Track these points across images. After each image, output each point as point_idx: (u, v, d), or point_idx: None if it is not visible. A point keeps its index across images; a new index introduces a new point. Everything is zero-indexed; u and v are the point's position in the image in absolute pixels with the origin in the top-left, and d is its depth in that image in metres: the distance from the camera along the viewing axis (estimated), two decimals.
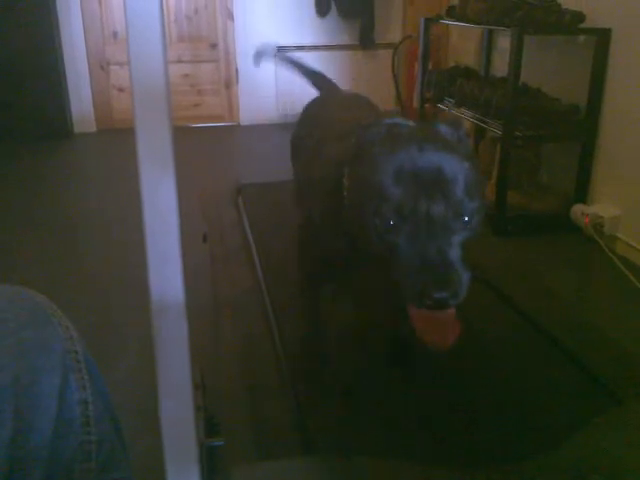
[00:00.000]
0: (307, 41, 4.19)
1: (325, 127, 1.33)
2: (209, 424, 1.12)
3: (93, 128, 4.18)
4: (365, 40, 4.17)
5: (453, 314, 0.80)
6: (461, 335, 0.82)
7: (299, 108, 1.68)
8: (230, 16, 4.14)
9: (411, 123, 0.97)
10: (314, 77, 1.85)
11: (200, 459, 0.69)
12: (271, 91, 4.22)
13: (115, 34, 4.10)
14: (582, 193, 2.44)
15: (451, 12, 3.07)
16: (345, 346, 1.46)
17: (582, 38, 2.44)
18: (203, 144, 3.90)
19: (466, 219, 0.79)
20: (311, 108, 1.62)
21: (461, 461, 1.06)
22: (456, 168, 0.80)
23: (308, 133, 1.42)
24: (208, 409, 1.17)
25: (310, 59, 4.11)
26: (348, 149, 0.95)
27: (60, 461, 0.52)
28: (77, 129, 4.13)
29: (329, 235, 1.11)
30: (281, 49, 4.16)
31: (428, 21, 3.23)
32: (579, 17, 2.32)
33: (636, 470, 0.88)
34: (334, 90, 1.79)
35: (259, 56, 2.05)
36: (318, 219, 1.18)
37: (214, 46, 4.24)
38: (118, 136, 3.94)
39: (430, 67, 3.41)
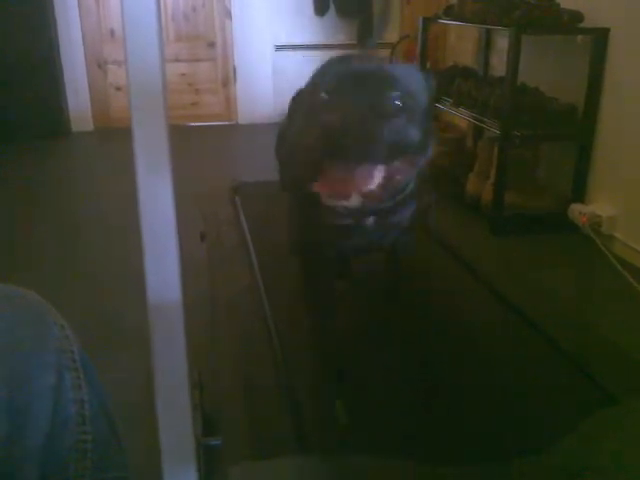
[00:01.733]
0: (305, 40, 4.19)
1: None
2: (206, 423, 1.12)
3: (90, 127, 4.18)
4: (363, 39, 4.17)
5: (370, 174, 0.75)
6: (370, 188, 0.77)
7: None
8: (228, 15, 4.14)
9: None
10: None
11: (197, 458, 0.69)
12: (269, 90, 4.22)
13: (112, 32, 4.10)
14: (580, 193, 2.44)
15: (449, 12, 3.07)
16: (341, 343, 1.46)
17: (580, 38, 2.44)
18: (201, 143, 3.90)
19: (398, 103, 0.79)
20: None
21: (455, 460, 1.06)
22: (398, 69, 0.84)
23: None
24: (205, 408, 1.17)
25: (308, 58, 4.12)
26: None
27: (55, 460, 0.52)
28: (74, 128, 4.12)
29: (308, 203, 1.09)
30: (279, 48, 4.16)
31: (426, 20, 3.23)
32: (577, 17, 2.33)
33: (631, 469, 0.89)
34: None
35: None
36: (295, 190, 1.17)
37: (212, 45, 4.24)
38: (115, 135, 3.93)
39: (428, 66, 3.42)
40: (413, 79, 0.86)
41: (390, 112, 0.78)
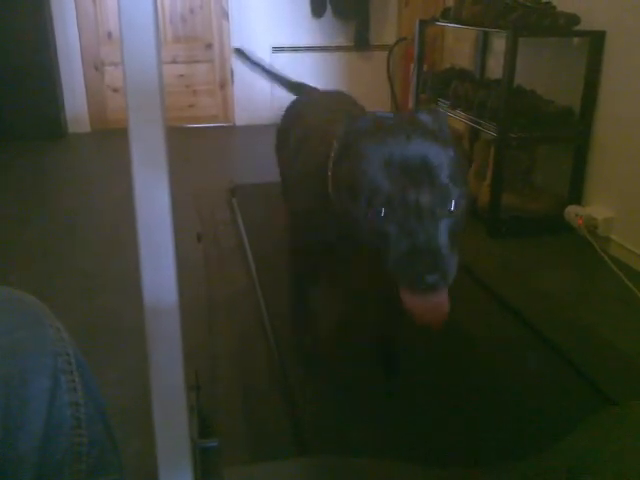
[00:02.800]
0: (302, 42, 4.19)
1: (310, 120, 1.35)
2: (203, 424, 1.11)
3: (87, 128, 4.17)
4: (360, 41, 4.17)
5: (444, 295, 0.84)
6: (449, 316, 0.85)
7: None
8: (225, 16, 4.14)
9: (393, 115, 1.00)
10: (289, 84, 1.91)
11: (193, 460, 0.69)
12: (266, 92, 4.21)
13: (109, 34, 4.09)
14: (576, 194, 2.44)
15: (446, 14, 3.08)
16: (336, 344, 1.46)
17: (576, 40, 2.44)
18: (198, 144, 3.90)
19: (452, 205, 0.82)
20: (296, 103, 1.65)
21: (455, 461, 1.06)
22: (440, 155, 0.84)
23: (293, 126, 1.45)
24: (202, 409, 1.17)
25: (305, 60, 4.12)
26: (333, 140, 0.98)
27: (50, 463, 0.52)
28: (71, 129, 4.11)
29: (315, 227, 1.13)
30: (276, 50, 4.16)
31: (423, 23, 3.24)
32: (574, 19, 2.33)
33: (630, 470, 0.89)
34: (315, 91, 1.83)
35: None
36: (302, 210, 1.19)
37: (209, 46, 4.23)
38: (112, 136, 3.93)
39: (425, 69, 3.42)
40: (454, 158, 0.85)
41: (449, 223, 0.82)
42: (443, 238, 0.80)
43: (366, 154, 0.85)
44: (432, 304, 0.84)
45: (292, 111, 1.62)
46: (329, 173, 0.97)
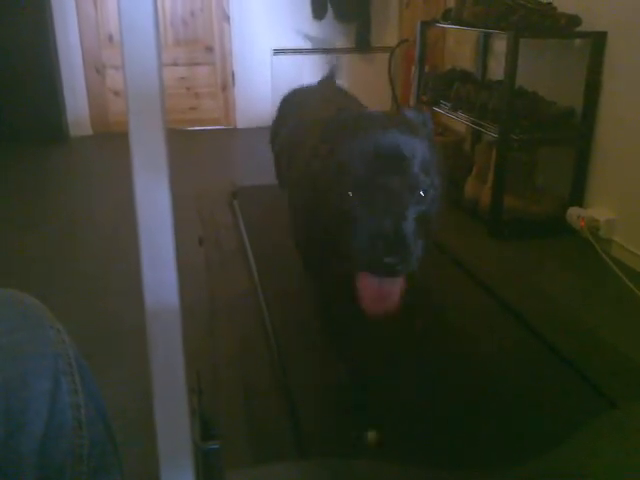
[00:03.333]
0: (303, 44, 4.19)
1: (302, 112, 1.37)
2: (205, 428, 1.11)
3: (89, 131, 4.18)
4: (361, 43, 4.18)
5: (399, 284, 0.84)
6: (401, 306, 0.85)
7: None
8: (226, 19, 4.14)
9: (381, 112, 1.02)
10: None
11: (195, 463, 0.69)
12: (267, 94, 4.22)
13: (110, 37, 4.10)
14: (578, 196, 2.44)
15: (447, 15, 3.08)
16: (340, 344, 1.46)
17: (578, 41, 2.44)
18: (199, 147, 3.90)
19: (422, 193, 0.83)
20: (289, 96, 1.67)
21: (456, 465, 1.06)
22: (413, 146, 0.85)
23: (286, 118, 1.47)
24: (204, 413, 1.17)
25: (306, 62, 4.12)
26: (320, 130, 0.99)
27: (51, 464, 0.52)
28: (73, 132, 4.12)
29: (308, 213, 1.14)
30: (277, 52, 4.17)
31: (424, 24, 3.24)
32: (575, 20, 2.33)
33: (632, 473, 0.88)
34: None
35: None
36: (299, 203, 1.20)
37: (210, 49, 4.24)
38: (114, 139, 3.93)
39: (426, 70, 3.42)
40: (429, 150, 0.87)
41: (417, 212, 0.82)
42: (409, 224, 0.80)
43: (342, 142, 0.87)
44: (385, 291, 0.83)
45: (285, 104, 1.65)
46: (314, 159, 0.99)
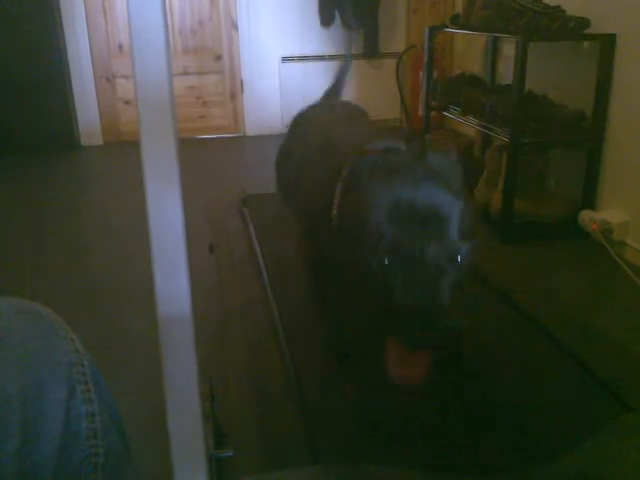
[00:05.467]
0: (311, 51, 4.20)
1: (314, 142, 1.32)
2: (218, 434, 1.11)
3: (100, 141, 4.21)
4: (369, 50, 4.18)
5: (427, 359, 0.81)
6: (428, 375, 0.82)
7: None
8: (235, 27, 4.17)
9: (401, 146, 0.95)
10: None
11: (209, 470, 0.69)
12: (276, 101, 4.24)
13: (120, 47, 4.13)
14: (590, 199, 2.43)
15: (455, 20, 3.08)
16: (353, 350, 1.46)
17: (587, 44, 2.44)
18: (209, 155, 3.92)
19: (459, 259, 0.79)
20: (299, 120, 1.62)
21: (469, 467, 1.05)
22: (449, 205, 0.79)
23: (295, 147, 1.42)
24: (217, 419, 1.17)
25: (315, 69, 4.13)
26: (339, 176, 0.94)
27: (66, 473, 0.52)
28: (84, 142, 4.15)
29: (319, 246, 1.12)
30: (285, 60, 4.18)
31: (432, 29, 3.24)
32: (584, 23, 2.32)
33: None
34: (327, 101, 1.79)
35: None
36: (307, 231, 1.18)
37: (219, 58, 4.26)
38: (125, 148, 3.96)
39: (435, 75, 3.42)
40: (460, 203, 0.81)
41: (454, 279, 0.78)
42: (445, 294, 0.76)
43: (371, 199, 0.81)
44: (414, 362, 0.80)
45: (291, 132, 1.59)
46: (334, 211, 0.93)
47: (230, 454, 0.98)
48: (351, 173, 0.89)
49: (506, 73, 3.06)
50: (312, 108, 1.66)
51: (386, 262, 0.78)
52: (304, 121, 1.58)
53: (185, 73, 4.23)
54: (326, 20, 4.10)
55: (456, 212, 0.79)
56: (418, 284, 0.76)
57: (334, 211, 0.93)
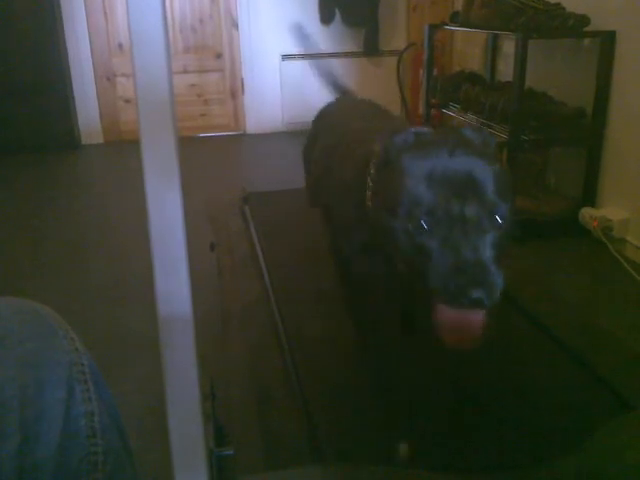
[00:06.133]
0: (311, 49, 4.20)
1: (346, 128, 1.34)
2: (218, 433, 1.11)
3: (100, 139, 4.21)
4: (369, 48, 4.18)
5: (482, 316, 0.80)
6: (484, 338, 0.81)
7: (304, 117, 1.69)
8: (235, 25, 4.16)
9: (431, 130, 0.97)
10: (339, 88, 1.85)
11: (209, 469, 0.69)
12: (276, 100, 4.23)
13: (120, 46, 4.13)
14: (590, 196, 2.43)
15: (455, 18, 3.08)
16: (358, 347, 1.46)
17: (587, 41, 2.43)
18: (210, 153, 3.92)
19: (498, 219, 0.80)
20: (329, 109, 1.64)
21: (471, 467, 1.05)
22: (486, 170, 0.81)
23: (326, 133, 1.44)
24: (218, 418, 1.17)
25: (312, 69, 4.11)
26: (373, 154, 0.95)
27: (66, 473, 0.52)
28: (84, 141, 4.15)
29: (351, 234, 1.12)
30: (285, 57, 4.18)
31: (432, 27, 3.24)
32: (583, 20, 2.32)
33: None
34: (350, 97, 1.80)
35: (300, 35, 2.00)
36: (338, 220, 1.18)
37: (219, 56, 4.26)
38: (125, 147, 3.96)
39: (435, 73, 3.42)
40: (498, 172, 0.82)
41: (496, 239, 0.79)
42: (489, 252, 0.77)
43: (408, 168, 0.82)
44: (468, 323, 0.79)
45: (324, 116, 1.61)
46: (368, 192, 0.94)
47: (230, 453, 0.98)
48: (385, 149, 0.89)
49: (506, 71, 3.06)
50: (336, 102, 1.67)
51: (424, 226, 0.78)
52: (329, 112, 1.59)
53: (185, 71, 4.23)
54: (326, 18, 4.10)
55: (491, 175, 0.80)
56: (462, 243, 0.76)
57: (369, 184, 0.94)
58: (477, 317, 0.79)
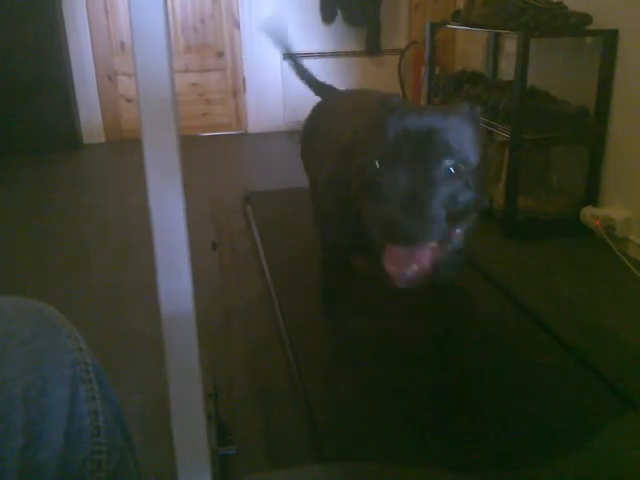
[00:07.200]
0: (313, 48, 4.20)
1: (335, 117, 1.37)
2: (221, 432, 1.12)
3: (102, 139, 4.21)
4: (371, 47, 4.18)
5: (429, 252, 0.82)
6: (429, 279, 0.83)
7: (306, 116, 1.69)
8: (236, 25, 4.16)
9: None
10: (318, 86, 1.89)
11: (212, 468, 0.69)
12: (278, 99, 4.23)
13: (122, 45, 4.13)
14: (592, 195, 2.42)
15: (457, 17, 3.07)
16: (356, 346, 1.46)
17: (589, 40, 2.43)
18: (211, 153, 3.92)
19: (451, 169, 0.82)
20: (321, 104, 1.66)
21: (474, 467, 1.05)
22: (446, 123, 0.85)
23: (318, 125, 1.46)
24: (220, 418, 1.17)
25: (317, 66, 4.13)
26: (364, 119, 1.01)
27: (70, 471, 0.52)
28: (86, 140, 4.15)
29: (340, 225, 1.14)
30: (286, 56, 4.17)
31: (434, 26, 3.23)
32: (586, 19, 2.32)
33: None
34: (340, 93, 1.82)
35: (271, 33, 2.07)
36: (328, 208, 1.20)
37: (221, 55, 4.26)
38: (127, 146, 3.96)
39: (437, 72, 3.41)
40: (465, 132, 0.87)
41: (444, 185, 0.82)
42: (431, 192, 0.80)
43: (383, 123, 0.87)
44: (410, 257, 0.81)
45: (317, 111, 1.64)
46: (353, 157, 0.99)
47: (233, 451, 0.98)
48: (376, 109, 0.95)
49: (508, 69, 3.06)
50: (333, 96, 1.71)
51: (377, 163, 0.84)
52: (326, 103, 1.64)
53: (187, 70, 4.22)
54: (328, 17, 4.10)
55: (453, 131, 0.85)
56: (404, 180, 0.80)
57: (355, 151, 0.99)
58: (420, 252, 0.82)
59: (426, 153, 0.82)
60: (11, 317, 0.56)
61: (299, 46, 4.13)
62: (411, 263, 0.81)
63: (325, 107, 1.63)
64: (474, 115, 0.93)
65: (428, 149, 0.82)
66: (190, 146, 3.89)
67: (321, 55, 4.20)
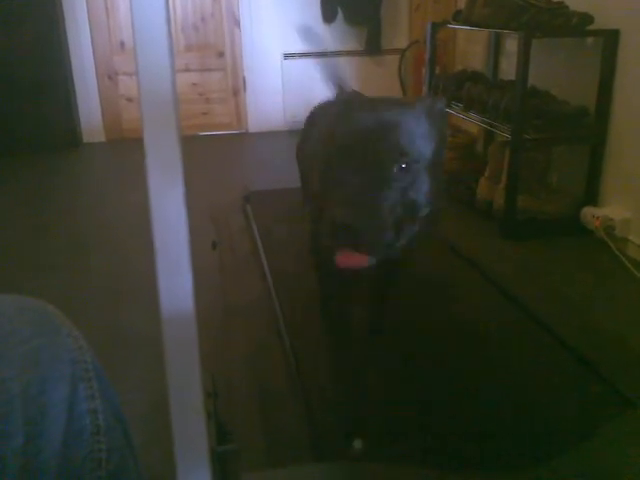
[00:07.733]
0: (314, 48, 4.19)
1: (328, 120, 1.39)
2: (221, 431, 1.12)
3: (102, 138, 4.21)
4: (372, 46, 4.17)
5: (365, 259, 0.86)
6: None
7: (306, 115, 1.69)
8: (237, 24, 4.16)
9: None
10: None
11: (212, 467, 0.69)
12: (278, 98, 4.23)
13: (122, 44, 4.13)
14: (592, 195, 2.42)
15: (457, 16, 3.07)
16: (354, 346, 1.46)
17: (590, 40, 2.43)
18: (212, 152, 3.92)
19: (403, 166, 0.84)
20: (317, 109, 1.66)
21: (475, 466, 1.05)
22: (402, 123, 0.87)
23: (312, 130, 1.47)
24: (220, 416, 1.17)
25: (316, 66, 4.11)
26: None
27: (70, 470, 0.52)
28: (86, 139, 4.15)
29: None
30: (287, 56, 4.17)
31: (435, 26, 3.23)
32: (587, 19, 2.32)
33: None
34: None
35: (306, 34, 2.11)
36: (317, 202, 1.22)
37: (221, 54, 4.26)
38: (127, 146, 3.96)
39: (437, 71, 3.41)
40: (419, 128, 0.89)
41: (392, 186, 0.85)
42: (379, 191, 0.82)
43: (337, 121, 0.91)
44: (353, 258, 0.85)
45: (312, 117, 1.64)
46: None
47: (233, 450, 0.98)
48: (337, 104, 1.02)
49: (508, 69, 3.05)
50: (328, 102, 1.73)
51: (334, 161, 0.87)
52: (321, 109, 1.66)
53: (187, 70, 4.22)
54: (328, 16, 4.10)
55: (410, 125, 0.87)
56: (351, 178, 0.83)
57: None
58: (360, 257, 0.86)
59: (374, 152, 0.84)
60: (11, 315, 0.56)
61: (299, 46, 4.15)
62: (353, 261, 0.86)
63: (324, 109, 1.63)
64: (435, 109, 0.94)
65: (376, 148, 0.84)
66: (190, 146, 3.88)
67: (321, 54, 4.20)
